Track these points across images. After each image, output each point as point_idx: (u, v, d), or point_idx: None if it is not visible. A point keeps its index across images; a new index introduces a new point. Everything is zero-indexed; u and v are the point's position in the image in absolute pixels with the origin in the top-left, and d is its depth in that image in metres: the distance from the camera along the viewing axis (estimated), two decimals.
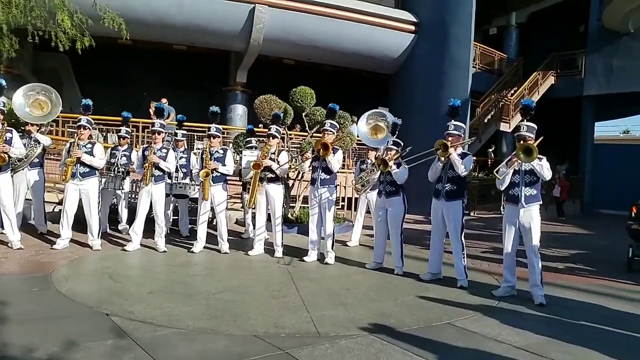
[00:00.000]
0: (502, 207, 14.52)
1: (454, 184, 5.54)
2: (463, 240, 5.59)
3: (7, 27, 6.88)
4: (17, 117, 6.76)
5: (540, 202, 5.06)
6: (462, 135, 5.76)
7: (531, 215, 4.97)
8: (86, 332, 3.65)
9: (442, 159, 5.52)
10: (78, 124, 6.44)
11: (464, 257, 5.57)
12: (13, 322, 3.70)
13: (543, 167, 4.90)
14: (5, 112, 6.25)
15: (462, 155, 5.56)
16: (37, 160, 7.03)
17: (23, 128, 6.81)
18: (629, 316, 4.72)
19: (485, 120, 16.47)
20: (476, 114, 16.36)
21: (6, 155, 5.97)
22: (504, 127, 16.54)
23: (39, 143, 6.96)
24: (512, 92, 17.30)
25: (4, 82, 6.23)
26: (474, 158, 5.73)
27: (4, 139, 5.99)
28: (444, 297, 5.01)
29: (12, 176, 6.40)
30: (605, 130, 30.53)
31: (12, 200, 6.28)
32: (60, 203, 8.18)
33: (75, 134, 6.53)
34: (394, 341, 3.68)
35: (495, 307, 4.76)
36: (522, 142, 4.96)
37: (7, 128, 6.15)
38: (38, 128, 7.11)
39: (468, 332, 3.99)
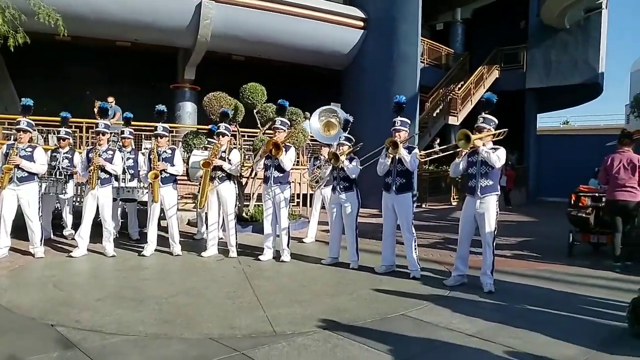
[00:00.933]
0: (451, 198, 15.01)
1: (403, 177, 5.65)
2: (414, 232, 5.71)
3: None
4: None
5: (498, 193, 5.17)
6: (408, 130, 5.87)
7: (487, 206, 5.09)
8: (30, 345, 3.46)
9: (392, 155, 5.61)
10: (17, 126, 6.07)
11: (415, 249, 5.69)
12: None
13: (490, 154, 4.97)
14: None
15: (409, 150, 5.67)
16: None
17: None
18: (572, 297, 4.97)
19: (434, 114, 16.88)
20: (425, 108, 16.74)
21: None
22: (452, 120, 17.01)
23: None
24: (460, 86, 17.81)
25: None
26: (421, 152, 5.84)
27: None
28: (398, 289, 5.09)
29: None
30: (547, 121, 32.09)
31: None
32: None
33: (14, 137, 6.16)
34: (350, 336, 3.71)
35: (446, 297, 4.89)
36: (477, 132, 5.10)
37: None
38: None
39: (421, 322, 4.08)
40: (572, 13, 16.74)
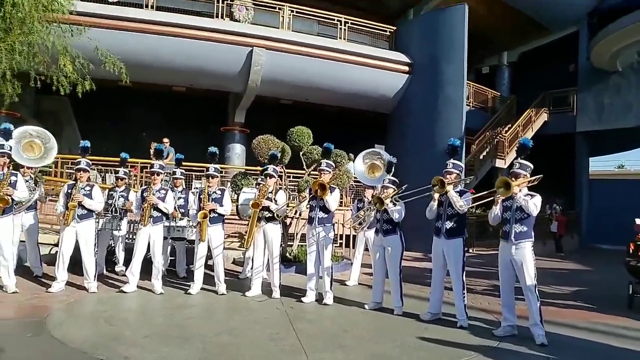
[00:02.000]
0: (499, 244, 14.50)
1: (453, 221, 5.56)
2: (464, 279, 5.57)
3: (10, 73, 7.03)
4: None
5: (532, 240, 5.06)
6: (461, 173, 5.83)
7: (523, 253, 4.98)
8: None
9: (436, 196, 5.58)
10: (77, 166, 6.48)
11: (464, 296, 5.53)
12: None
13: (529, 202, 4.92)
14: (10, 155, 6.30)
15: (461, 193, 5.61)
16: (32, 203, 7.06)
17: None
18: (632, 354, 4.66)
19: (481, 157, 16.65)
20: (471, 150, 16.56)
21: (9, 198, 5.99)
22: (499, 163, 16.70)
23: (37, 188, 7.01)
24: (507, 129, 17.56)
25: (12, 127, 6.33)
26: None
27: (9, 182, 6.03)
28: (444, 338, 4.94)
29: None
30: (600, 165, 30.84)
31: (11, 244, 6.24)
32: (56, 245, 8.14)
33: (74, 177, 6.55)
34: None
35: (496, 348, 4.70)
36: (513, 178, 5.05)
37: (12, 171, 6.21)
38: (33, 171, 7.18)
39: None
40: (624, 56, 16.37)
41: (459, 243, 5.59)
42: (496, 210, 5.21)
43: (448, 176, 5.62)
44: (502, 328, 5.13)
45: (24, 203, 6.63)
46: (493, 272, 9.69)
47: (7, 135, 6.26)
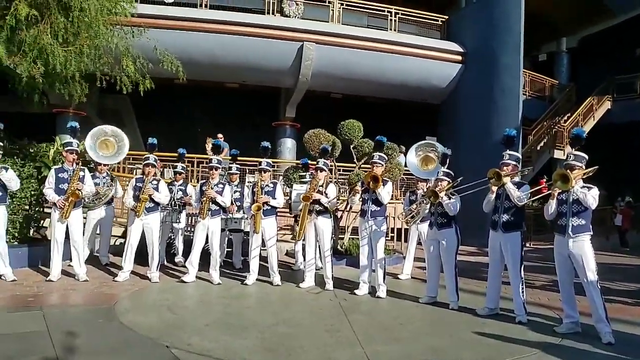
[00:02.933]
0: None
1: (511, 214, 5.40)
2: (522, 274, 5.41)
3: (78, 75, 7.46)
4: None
5: (590, 233, 4.86)
6: (518, 165, 5.65)
7: (581, 246, 4.80)
8: None
9: (494, 189, 5.44)
10: (146, 162, 6.78)
11: (523, 292, 5.37)
12: (82, 353, 3.89)
13: (587, 195, 4.74)
14: (79, 152, 6.70)
15: (519, 185, 5.45)
16: (109, 198, 7.60)
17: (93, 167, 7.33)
18: None
19: (538, 148, 16.03)
20: (528, 141, 15.98)
21: (80, 192, 6.37)
22: (557, 154, 16.02)
23: (114, 184, 7.45)
24: (565, 118, 16.80)
25: (77, 125, 6.73)
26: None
27: (78, 177, 6.41)
28: (502, 333, 4.83)
29: (85, 213, 6.80)
30: None
31: (81, 235, 6.66)
32: (122, 236, 8.60)
33: (142, 171, 6.86)
34: None
35: (558, 345, 4.55)
36: (568, 170, 4.85)
37: (81, 167, 6.59)
38: (108, 167, 7.64)
39: None
40: None
41: (517, 237, 5.43)
42: (553, 204, 5.01)
43: (504, 168, 5.46)
44: (565, 325, 4.95)
45: (102, 198, 7.04)
46: (552, 266, 9.36)
47: (74, 132, 6.65)
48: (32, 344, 4.04)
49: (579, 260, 4.80)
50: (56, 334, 4.27)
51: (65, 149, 6.54)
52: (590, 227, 4.89)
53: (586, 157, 4.95)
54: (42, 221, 8.04)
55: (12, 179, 6.27)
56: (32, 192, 7.35)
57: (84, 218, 7.03)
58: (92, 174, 7.17)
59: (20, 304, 5.35)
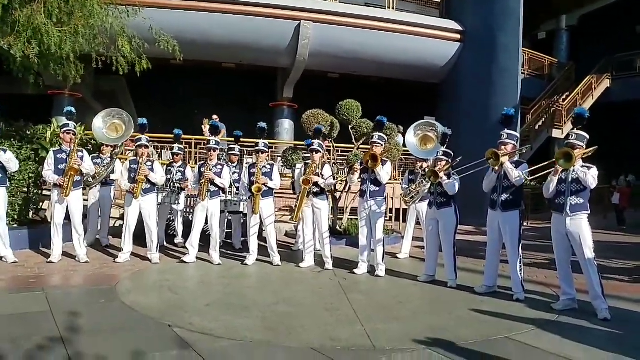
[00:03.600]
0: None
1: (509, 193, 5.42)
2: (521, 252, 5.45)
3: (73, 55, 7.36)
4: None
5: (588, 212, 4.89)
6: (516, 144, 5.65)
7: (579, 225, 4.83)
8: (152, 342, 3.82)
9: (497, 168, 5.44)
10: (138, 143, 6.76)
11: (521, 269, 5.43)
12: (85, 333, 3.92)
13: (587, 175, 4.76)
14: (76, 133, 6.68)
15: (517, 164, 5.46)
16: (109, 179, 7.64)
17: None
18: None
19: (537, 127, 16.02)
20: (526, 120, 15.95)
21: (77, 167, 6.35)
22: (556, 133, 16.04)
23: (111, 164, 7.45)
24: (564, 97, 16.74)
25: (74, 110, 6.71)
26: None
27: (75, 153, 6.41)
28: (500, 311, 4.89)
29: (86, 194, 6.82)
30: None
31: (81, 216, 6.67)
32: (121, 218, 8.61)
33: (135, 153, 6.85)
34: (451, 355, 3.64)
35: (555, 321, 4.61)
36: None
37: (78, 148, 6.57)
38: (112, 149, 7.63)
39: (528, 347, 3.89)
40: None
41: (515, 215, 5.46)
42: (554, 181, 5.03)
43: (503, 147, 5.45)
44: (562, 302, 5.01)
45: (97, 177, 7.04)
46: (549, 245, 9.44)
47: (71, 116, 6.63)
48: (36, 325, 4.08)
49: (576, 239, 4.84)
50: (59, 314, 4.31)
51: (63, 130, 6.52)
52: (588, 206, 4.92)
53: (587, 136, 4.95)
54: (41, 203, 8.04)
55: (10, 160, 6.26)
56: (30, 174, 7.33)
57: (85, 200, 7.03)
58: (95, 154, 7.16)
59: (23, 285, 5.38)
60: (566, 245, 5.00)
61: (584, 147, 4.94)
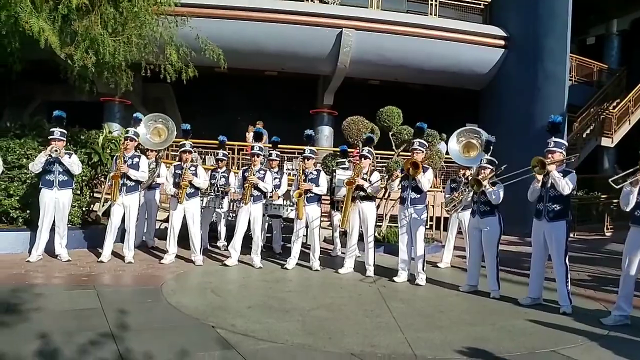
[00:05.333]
0: (605, 229, 13.48)
1: (556, 203, 5.28)
2: (567, 264, 5.28)
3: (125, 64, 7.72)
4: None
5: None
6: (564, 152, 5.49)
7: None
8: (196, 342, 3.93)
9: (539, 177, 5.31)
10: (182, 149, 6.97)
11: (568, 282, 5.25)
12: (133, 331, 4.08)
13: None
14: (136, 140, 7.04)
15: (565, 173, 5.30)
16: (155, 182, 7.91)
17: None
18: None
19: (584, 135, 15.46)
20: (573, 128, 15.41)
21: (120, 175, 6.62)
22: (605, 142, 15.42)
23: (156, 169, 7.76)
24: (615, 104, 16.09)
25: (141, 116, 7.10)
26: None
27: (132, 162, 6.75)
28: (546, 324, 4.75)
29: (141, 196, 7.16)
30: None
31: (135, 219, 6.96)
32: (165, 221, 8.88)
33: (179, 158, 7.08)
34: None
35: (606, 336, 4.44)
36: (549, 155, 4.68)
37: (136, 154, 6.93)
38: (157, 153, 7.92)
39: None
40: None
41: (562, 226, 5.30)
42: (635, 192, 4.71)
43: (550, 155, 5.32)
44: (613, 317, 4.80)
45: (142, 183, 7.33)
46: (596, 257, 9.10)
47: (138, 122, 7.05)
48: (88, 320, 4.27)
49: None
50: (109, 311, 4.50)
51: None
52: None
53: (566, 143, 4.76)
54: (92, 205, 8.41)
55: (74, 163, 6.62)
56: (83, 178, 7.68)
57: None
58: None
59: (76, 282, 5.65)
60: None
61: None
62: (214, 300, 5.25)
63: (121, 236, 7.02)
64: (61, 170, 6.55)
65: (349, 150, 9.29)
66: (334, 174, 8.12)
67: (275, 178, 7.80)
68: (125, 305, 4.77)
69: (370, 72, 14.47)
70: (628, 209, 4.79)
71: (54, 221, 6.64)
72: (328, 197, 8.47)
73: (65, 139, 6.60)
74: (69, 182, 6.69)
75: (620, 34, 17.83)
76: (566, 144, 5.54)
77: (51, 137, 6.47)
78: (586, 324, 4.78)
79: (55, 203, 6.55)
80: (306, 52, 13.12)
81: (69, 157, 6.58)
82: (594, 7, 16.37)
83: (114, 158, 6.92)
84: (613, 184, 4.93)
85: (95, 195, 8.61)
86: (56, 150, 6.35)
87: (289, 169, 10.42)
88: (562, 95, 12.27)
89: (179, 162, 7.01)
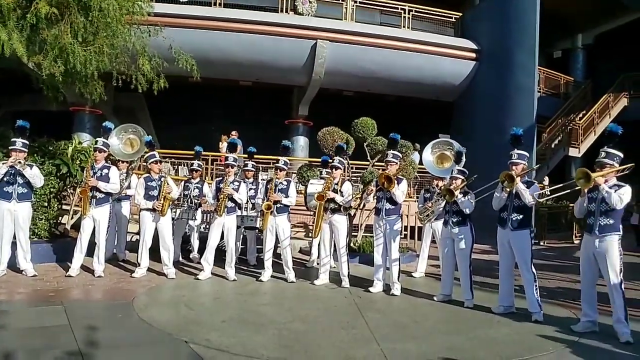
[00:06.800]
0: (573, 236, 13.83)
1: (520, 213, 5.42)
2: (534, 271, 5.39)
3: (97, 73, 7.57)
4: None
5: (619, 233, 4.79)
6: (526, 163, 5.64)
7: (607, 246, 4.74)
8: (169, 358, 3.86)
9: (507, 189, 5.42)
10: (153, 159, 6.88)
11: (536, 289, 5.36)
12: (104, 347, 3.96)
13: (612, 195, 4.64)
14: (106, 150, 6.88)
15: (528, 184, 5.45)
16: (125, 194, 7.73)
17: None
18: None
19: (553, 146, 15.91)
20: (542, 139, 15.85)
21: (89, 189, 6.46)
22: (572, 152, 15.91)
23: (126, 180, 7.61)
24: (581, 115, 16.64)
25: (111, 125, 6.97)
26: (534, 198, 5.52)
27: (101, 174, 6.60)
28: (518, 332, 4.83)
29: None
30: None
31: (105, 232, 6.77)
32: (137, 233, 8.69)
33: (147, 169, 7.01)
34: None
35: (576, 343, 4.54)
36: (598, 168, 4.81)
37: (106, 165, 6.78)
38: (129, 164, 7.77)
39: None
40: None
41: (526, 235, 5.45)
42: (582, 200, 4.94)
43: (514, 167, 5.46)
44: (582, 323, 4.92)
45: (113, 194, 7.17)
46: (566, 265, 9.32)
47: (108, 132, 6.92)
48: (55, 338, 4.13)
49: (603, 260, 4.75)
50: (78, 328, 4.36)
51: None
52: (620, 227, 4.81)
53: (620, 154, 4.83)
54: (60, 217, 8.17)
55: (35, 176, 6.39)
56: (51, 189, 7.47)
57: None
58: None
59: (42, 298, 5.46)
60: (593, 267, 4.91)
61: (616, 165, 4.85)
62: (187, 314, 5.15)
63: (91, 249, 6.83)
64: (21, 182, 6.30)
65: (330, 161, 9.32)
66: (307, 185, 8.11)
67: (250, 189, 7.76)
68: (94, 321, 4.63)
69: (345, 83, 14.60)
70: (579, 216, 5.11)
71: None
72: (305, 207, 8.45)
73: (27, 150, 6.36)
74: (28, 195, 6.45)
75: (585, 48, 18.54)
76: (528, 155, 5.69)
77: (12, 147, 6.22)
78: (557, 331, 4.87)
79: (14, 216, 6.29)
80: (281, 63, 13.15)
81: (30, 169, 6.35)
82: (560, 22, 16.97)
83: (84, 170, 6.75)
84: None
85: (64, 207, 8.38)
86: (20, 162, 6.15)
87: (263, 179, 10.35)
88: (532, 106, 12.61)
89: (149, 175, 6.89)
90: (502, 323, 5.17)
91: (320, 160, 8.82)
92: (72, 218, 8.16)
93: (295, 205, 7.75)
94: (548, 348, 4.33)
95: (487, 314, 5.52)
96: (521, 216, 5.42)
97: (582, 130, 16.12)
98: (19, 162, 6.14)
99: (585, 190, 4.87)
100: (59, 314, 4.83)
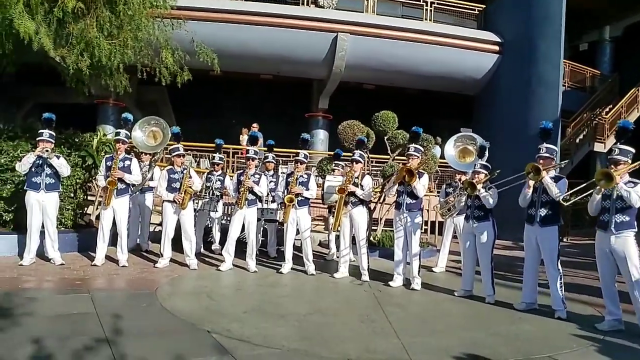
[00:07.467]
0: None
1: (548, 208, 5.32)
2: (560, 268, 5.32)
3: (122, 67, 7.69)
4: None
5: (635, 230, 4.71)
6: (555, 158, 5.54)
7: (624, 244, 4.66)
8: (191, 347, 3.91)
9: (531, 183, 5.34)
10: (176, 152, 6.94)
11: (561, 286, 5.28)
12: (129, 336, 4.04)
13: (631, 193, 4.57)
14: (127, 142, 6.97)
15: (556, 179, 5.35)
16: (148, 185, 7.86)
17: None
18: None
19: (577, 141, 15.58)
20: (567, 134, 15.53)
21: (116, 180, 6.58)
22: (598, 147, 15.56)
23: (149, 172, 7.74)
24: (607, 110, 16.24)
25: (130, 116, 7.04)
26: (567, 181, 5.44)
27: (123, 165, 6.68)
28: (541, 329, 4.78)
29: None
30: None
31: (126, 222, 6.90)
32: (160, 224, 8.83)
33: (171, 162, 7.06)
34: None
35: (602, 341, 4.46)
36: (612, 166, 4.71)
37: (127, 156, 6.87)
38: (152, 156, 7.87)
39: None
40: None
41: (554, 231, 5.35)
42: (597, 199, 4.89)
43: (541, 161, 5.36)
44: (607, 322, 4.84)
45: (135, 185, 7.28)
46: (589, 262, 9.12)
47: (127, 123, 6.97)
48: (83, 325, 4.23)
49: (622, 258, 4.68)
50: (104, 316, 4.46)
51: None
52: (635, 224, 4.75)
53: (632, 150, 4.80)
54: (85, 208, 8.35)
55: (62, 165, 6.54)
56: (77, 180, 7.63)
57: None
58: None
59: (69, 286, 5.60)
60: (611, 264, 4.84)
61: (629, 161, 4.78)
62: (209, 304, 5.22)
63: (114, 239, 6.97)
64: (49, 172, 6.46)
65: (344, 154, 9.29)
66: (325, 179, 8.12)
67: (270, 182, 7.80)
68: (119, 309, 4.73)
69: (366, 76, 14.53)
70: (594, 214, 5.00)
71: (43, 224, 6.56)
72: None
73: (54, 141, 6.51)
74: (56, 185, 6.61)
75: (612, 40, 18.03)
76: (557, 149, 5.60)
77: (39, 138, 6.36)
78: (581, 329, 4.80)
79: (42, 206, 6.46)
80: (301, 56, 13.15)
81: (57, 159, 6.50)
82: (587, 13, 16.55)
83: (104, 159, 6.84)
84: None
85: (89, 198, 8.55)
86: (47, 151, 6.29)
87: (283, 172, 10.40)
88: (556, 100, 12.36)
89: (172, 167, 6.97)
90: (523, 319, 5.11)
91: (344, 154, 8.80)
92: (96, 209, 8.33)
93: (315, 198, 7.78)
94: (572, 346, 4.27)
95: (509, 310, 5.47)
96: (549, 212, 5.32)
97: (608, 124, 15.73)
98: (47, 151, 6.28)
99: (602, 189, 4.77)
100: (86, 301, 4.95)
